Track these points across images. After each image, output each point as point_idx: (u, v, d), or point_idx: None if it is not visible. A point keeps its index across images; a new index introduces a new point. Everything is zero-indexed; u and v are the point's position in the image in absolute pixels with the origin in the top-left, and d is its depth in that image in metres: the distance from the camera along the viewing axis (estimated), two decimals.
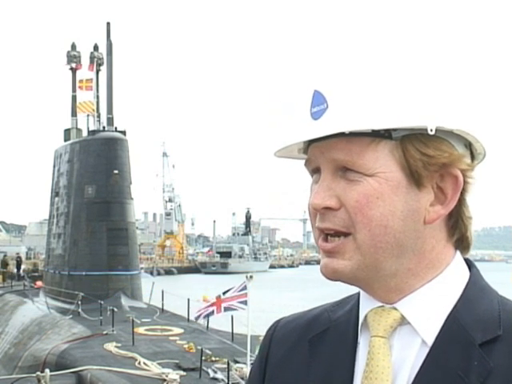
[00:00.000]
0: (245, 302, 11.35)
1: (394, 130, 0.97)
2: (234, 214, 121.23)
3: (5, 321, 20.43)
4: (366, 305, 1.07)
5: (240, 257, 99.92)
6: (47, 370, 10.05)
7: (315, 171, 1.05)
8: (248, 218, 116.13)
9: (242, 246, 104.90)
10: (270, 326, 1.23)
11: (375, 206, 0.98)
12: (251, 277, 11.05)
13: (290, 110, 1.04)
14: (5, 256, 40.10)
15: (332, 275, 1.03)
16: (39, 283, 26.05)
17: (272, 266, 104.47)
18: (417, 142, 0.98)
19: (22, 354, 15.84)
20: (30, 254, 65.49)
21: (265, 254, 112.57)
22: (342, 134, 0.97)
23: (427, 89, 0.99)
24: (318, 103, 0.99)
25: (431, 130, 0.96)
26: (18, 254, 39.89)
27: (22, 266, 37.14)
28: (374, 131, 0.97)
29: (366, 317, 1.06)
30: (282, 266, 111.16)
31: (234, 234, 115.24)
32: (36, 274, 32.50)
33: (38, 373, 9.99)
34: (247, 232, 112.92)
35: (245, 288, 11.29)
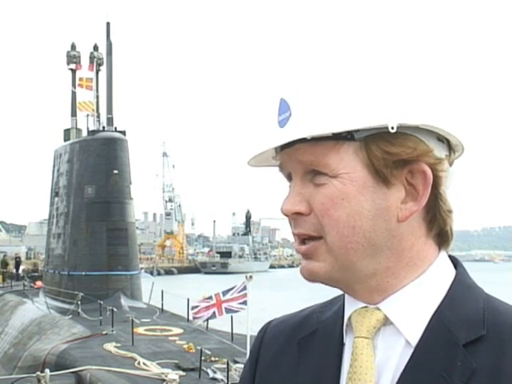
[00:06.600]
0: (244, 302, 11.36)
1: (357, 131, 0.97)
2: (234, 214, 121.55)
3: (4, 321, 20.42)
4: (350, 306, 1.06)
5: (240, 257, 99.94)
6: (47, 370, 10.05)
7: (290, 177, 1.06)
8: (248, 218, 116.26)
9: (242, 246, 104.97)
10: (261, 327, 1.23)
11: (341, 207, 0.98)
12: (251, 277, 11.05)
13: (261, 119, 1.06)
14: (5, 256, 40.12)
15: (309, 276, 1.03)
16: (39, 283, 26.06)
17: (272, 266, 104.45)
18: (381, 140, 0.98)
19: (22, 354, 15.83)
20: (29, 254, 65.55)
21: (265, 253, 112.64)
22: (306, 140, 0.98)
23: (387, 88, 0.98)
24: (284, 111, 1.01)
25: (392, 128, 0.96)
26: (16, 254, 39.87)
27: (22, 266, 37.13)
28: (335, 134, 0.97)
29: (350, 318, 1.05)
30: (282, 266, 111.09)
31: (234, 234, 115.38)
32: (36, 274, 32.49)
33: (38, 373, 9.99)
34: (247, 232, 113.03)
35: (245, 288, 11.30)
